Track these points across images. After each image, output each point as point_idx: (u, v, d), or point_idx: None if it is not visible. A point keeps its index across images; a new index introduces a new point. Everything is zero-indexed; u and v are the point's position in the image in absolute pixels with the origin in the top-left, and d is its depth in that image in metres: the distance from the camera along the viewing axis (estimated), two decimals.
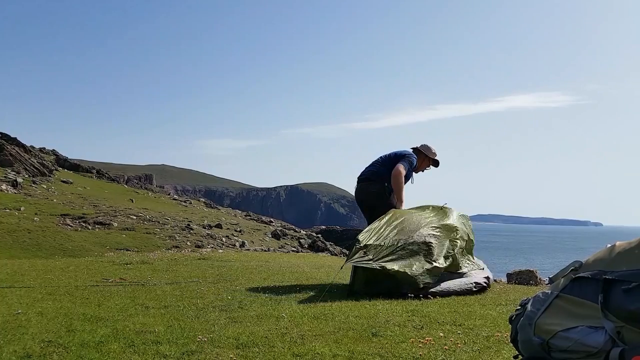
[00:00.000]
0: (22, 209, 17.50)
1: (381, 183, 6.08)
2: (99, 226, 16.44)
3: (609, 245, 2.53)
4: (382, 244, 5.15)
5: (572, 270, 2.51)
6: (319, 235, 23.07)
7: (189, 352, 3.09)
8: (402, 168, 5.98)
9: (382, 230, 5.32)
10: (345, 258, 5.58)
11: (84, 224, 16.47)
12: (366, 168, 6.34)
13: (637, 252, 2.37)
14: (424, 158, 6.38)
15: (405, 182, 6.14)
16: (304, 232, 22.80)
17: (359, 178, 6.33)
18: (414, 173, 6.35)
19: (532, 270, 6.79)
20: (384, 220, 5.50)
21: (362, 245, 5.11)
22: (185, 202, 28.75)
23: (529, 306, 2.54)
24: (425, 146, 6.38)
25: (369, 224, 5.67)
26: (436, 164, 6.47)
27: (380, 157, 6.33)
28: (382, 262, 5.00)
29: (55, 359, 3.03)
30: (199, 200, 34.46)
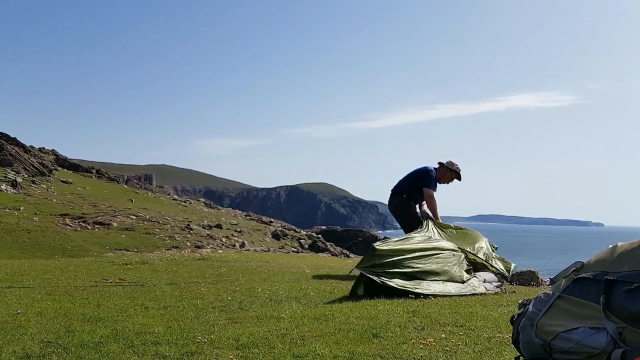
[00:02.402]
0: (21, 208, 17.49)
1: (401, 196, 7.09)
2: (98, 226, 16.44)
3: (610, 246, 2.52)
4: (396, 258, 5.22)
5: (573, 270, 2.50)
6: (319, 236, 23.03)
7: (189, 353, 3.08)
8: (431, 192, 6.92)
9: (402, 246, 5.40)
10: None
11: (83, 224, 16.47)
12: (397, 182, 7.31)
13: (639, 253, 2.36)
14: (445, 171, 7.16)
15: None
16: (304, 233, 22.77)
17: (390, 190, 7.34)
18: (439, 182, 7.16)
19: (534, 271, 6.78)
20: (412, 239, 5.63)
21: (374, 254, 5.17)
22: (185, 202, 28.75)
23: (530, 307, 2.53)
24: (449, 162, 7.20)
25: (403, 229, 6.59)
26: (459, 177, 7.21)
27: (407, 173, 7.26)
28: (386, 278, 5.05)
29: (54, 359, 3.02)
30: (198, 200, 34.44)
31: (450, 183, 7.23)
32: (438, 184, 7.18)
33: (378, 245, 5.27)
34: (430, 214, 6.92)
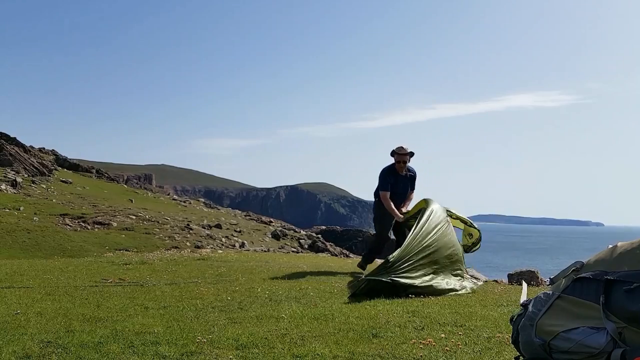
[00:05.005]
0: (21, 208, 17.49)
1: (376, 199, 7.12)
2: (98, 226, 16.45)
3: (610, 246, 2.52)
4: (405, 261, 5.27)
5: (573, 270, 2.50)
6: (319, 236, 23.07)
7: (189, 353, 3.08)
8: (384, 194, 6.87)
9: (411, 252, 5.42)
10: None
11: (83, 224, 16.48)
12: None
13: (638, 253, 2.36)
14: (395, 160, 6.99)
15: (404, 185, 6.98)
16: (304, 233, 22.80)
17: None
18: (402, 173, 6.96)
19: (533, 271, 6.77)
20: (416, 241, 5.56)
21: (387, 265, 5.20)
22: (184, 202, 28.77)
23: (530, 307, 2.53)
24: (393, 150, 6.96)
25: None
26: (401, 156, 6.90)
27: None
28: (395, 276, 5.10)
29: (54, 359, 3.02)
30: (198, 200, 34.47)
31: (406, 163, 6.96)
32: (400, 175, 6.96)
33: (390, 256, 5.30)
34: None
